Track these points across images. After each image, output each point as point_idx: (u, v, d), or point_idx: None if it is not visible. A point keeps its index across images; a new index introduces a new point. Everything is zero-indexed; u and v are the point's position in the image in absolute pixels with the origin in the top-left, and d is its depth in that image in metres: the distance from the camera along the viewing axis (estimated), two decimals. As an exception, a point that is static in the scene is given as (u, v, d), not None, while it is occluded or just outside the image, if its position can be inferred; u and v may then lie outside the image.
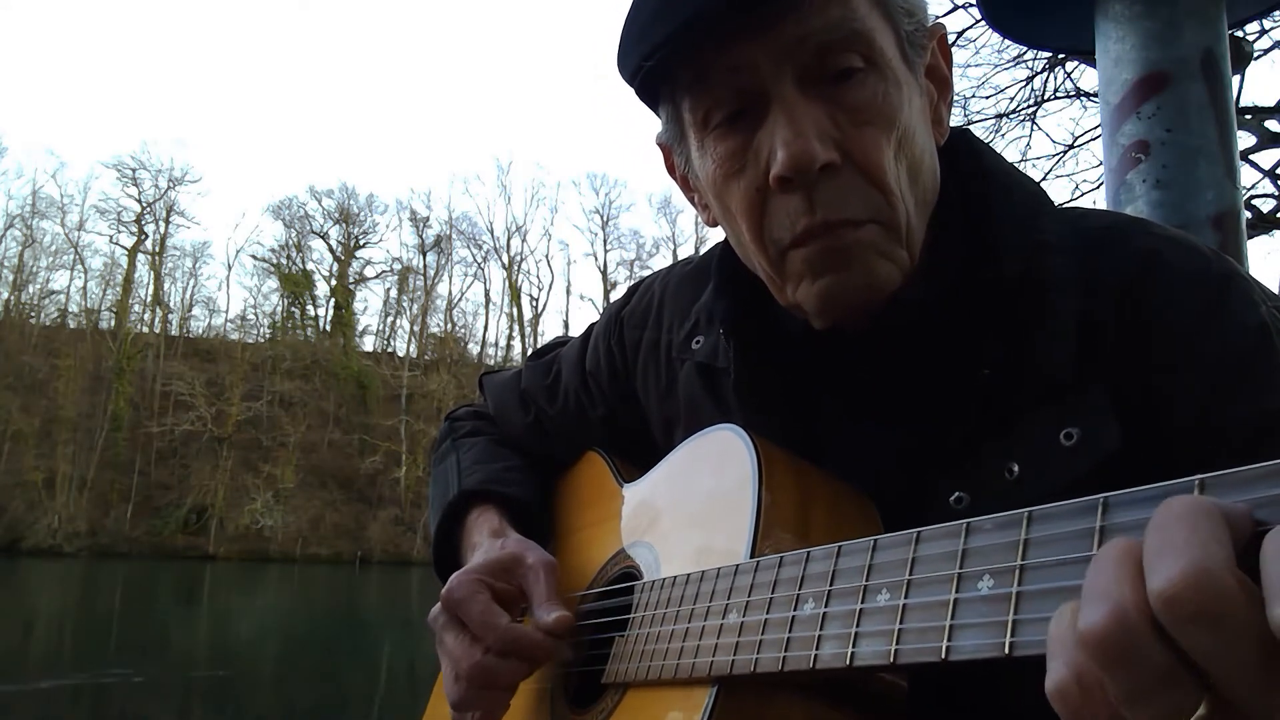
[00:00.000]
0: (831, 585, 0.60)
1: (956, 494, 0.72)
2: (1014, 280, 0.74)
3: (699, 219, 0.90)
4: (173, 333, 54.33)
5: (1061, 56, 7.17)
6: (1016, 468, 0.71)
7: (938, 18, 0.82)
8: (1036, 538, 0.47)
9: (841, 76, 0.71)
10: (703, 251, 1.03)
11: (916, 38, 0.76)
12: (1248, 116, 7.03)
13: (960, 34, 7.37)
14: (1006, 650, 0.46)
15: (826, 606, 0.59)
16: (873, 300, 0.75)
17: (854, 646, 0.56)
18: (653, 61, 0.74)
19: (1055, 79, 7.81)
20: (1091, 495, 0.45)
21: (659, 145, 0.88)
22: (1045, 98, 7.95)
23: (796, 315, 0.79)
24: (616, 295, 1.17)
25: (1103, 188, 2.22)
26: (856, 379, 0.82)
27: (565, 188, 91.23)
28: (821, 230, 0.72)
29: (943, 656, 0.49)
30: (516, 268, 60.73)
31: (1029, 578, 0.46)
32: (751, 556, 0.70)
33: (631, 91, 0.81)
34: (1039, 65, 7.72)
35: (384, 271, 60.03)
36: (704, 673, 0.69)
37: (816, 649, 0.59)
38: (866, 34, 0.71)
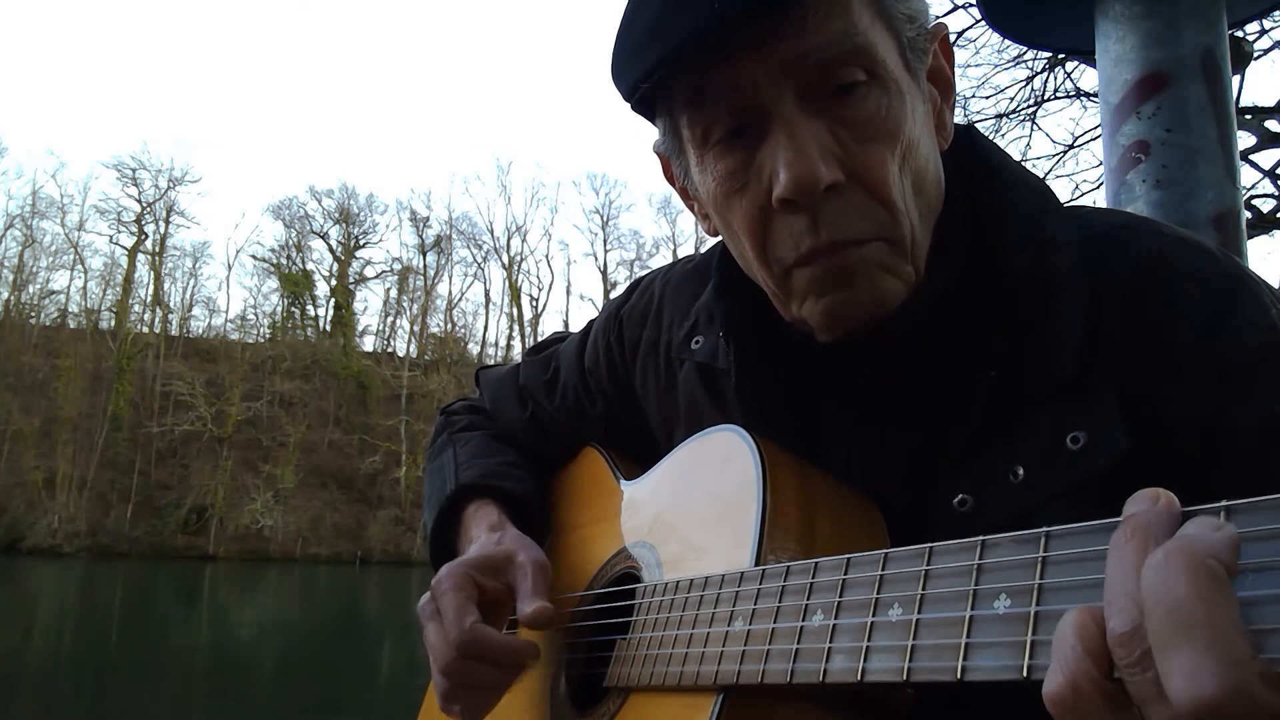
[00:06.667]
0: (841, 597, 0.59)
1: (960, 496, 0.71)
2: (1020, 279, 0.73)
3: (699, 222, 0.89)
4: (173, 333, 54.32)
5: (1061, 56, 7.17)
6: (1021, 470, 0.70)
7: (938, 18, 0.80)
8: (1055, 556, 0.46)
9: (843, 91, 0.69)
10: (703, 251, 1.02)
11: (919, 43, 0.75)
12: (1248, 116, 7.02)
13: (960, 34, 7.35)
14: (1025, 673, 0.45)
15: (836, 618, 0.59)
16: (878, 316, 0.74)
17: (865, 661, 0.55)
18: (650, 83, 0.72)
19: (1055, 79, 7.80)
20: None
21: (656, 154, 0.86)
22: (1045, 98, 7.94)
23: (800, 328, 0.79)
24: (617, 294, 1.16)
25: (1103, 188, 2.22)
26: (860, 383, 0.81)
27: (565, 188, 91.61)
28: (826, 251, 0.71)
29: (958, 676, 0.48)
30: (516, 268, 60.79)
31: (1047, 598, 0.45)
32: (756, 561, 0.70)
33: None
34: (1039, 65, 7.71)
35: (384, 271, 60.11)
36: (709, 680, 0.69)
37: (826, 662, 0.58)
38: (868, 47, 0.69)
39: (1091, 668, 0.39)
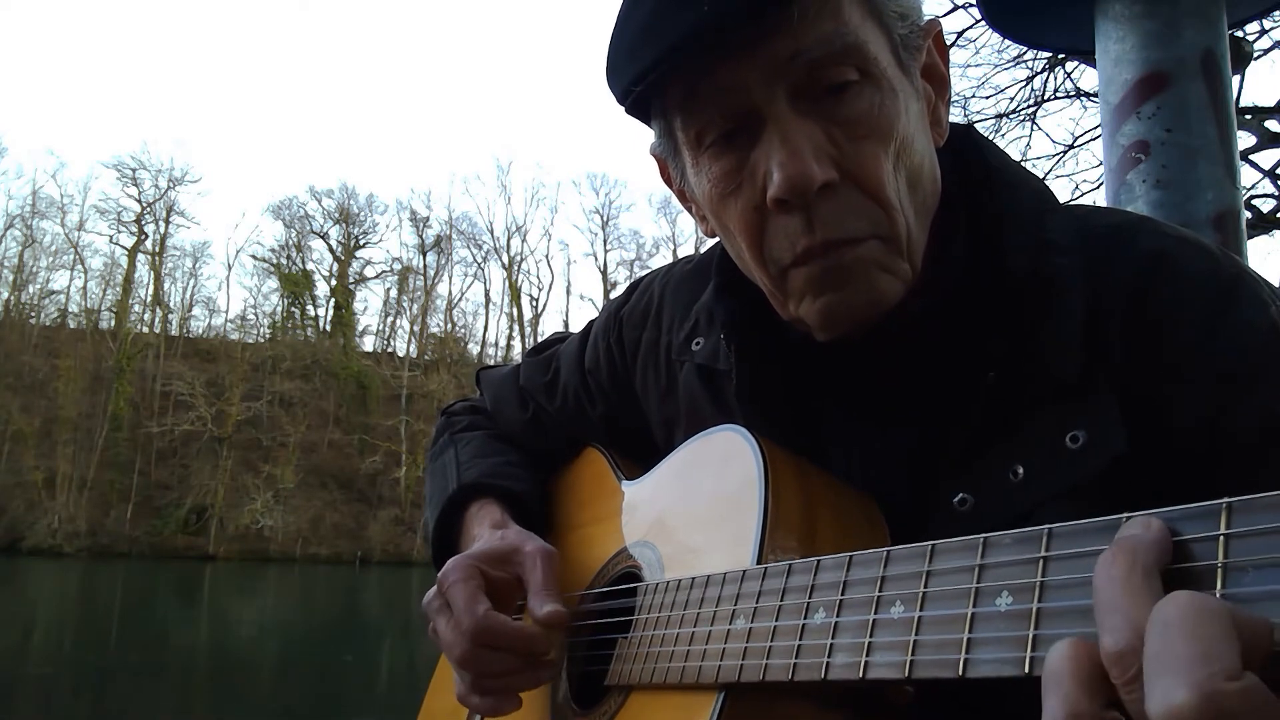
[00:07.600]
0: (843, 595, 0.59)
1: (960, 495, 0.72)
2: (1020, 280, 0.73)
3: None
4: (173, 333, 54.31)
5: (1061, 56, 7.17)
6: (1021, 470, 0.70)
7: (937, 17, 0.80)
8: (1057, 555, 0.46)
9: (836, 90, 0.70)
10: (703, 251, 1.02)
11: (911, 40, 0.74)
12: (1248, 116, 7.03)
13: (960, 34, 7.35)
14: (1027, 668, 0.45)
15: (838, 616, 0.59)
16: (875, 314, 0.74)
17: (867, 657, 0.55)
18: (641, 87, 0.73)
19: (1055, 79, 7.81)
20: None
21: (653, 156, 0.86)
22: (1045, 98, 7.94)
23: (799, 328, 0.79)
24: (617, 295, 1.16)
25: (1103, 188, 2.22)
26: (860, 383, 0.82)
27: (565, 188, 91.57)
28: (822, 250, 0.71)
29: (960, 672, 0.49)
30: (516, 268, 60.78)
31: (1050, 595, 0.45)
32: (758, 560, 0.70)
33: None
34: (1039, 65, 7.71)
35: (384, 271, 60.09)
36: (711, 678, 0.69)
37: (828, 658, 0.58)
38: (859, 46, 0.69)
39: (1086, 700, 0.39)
